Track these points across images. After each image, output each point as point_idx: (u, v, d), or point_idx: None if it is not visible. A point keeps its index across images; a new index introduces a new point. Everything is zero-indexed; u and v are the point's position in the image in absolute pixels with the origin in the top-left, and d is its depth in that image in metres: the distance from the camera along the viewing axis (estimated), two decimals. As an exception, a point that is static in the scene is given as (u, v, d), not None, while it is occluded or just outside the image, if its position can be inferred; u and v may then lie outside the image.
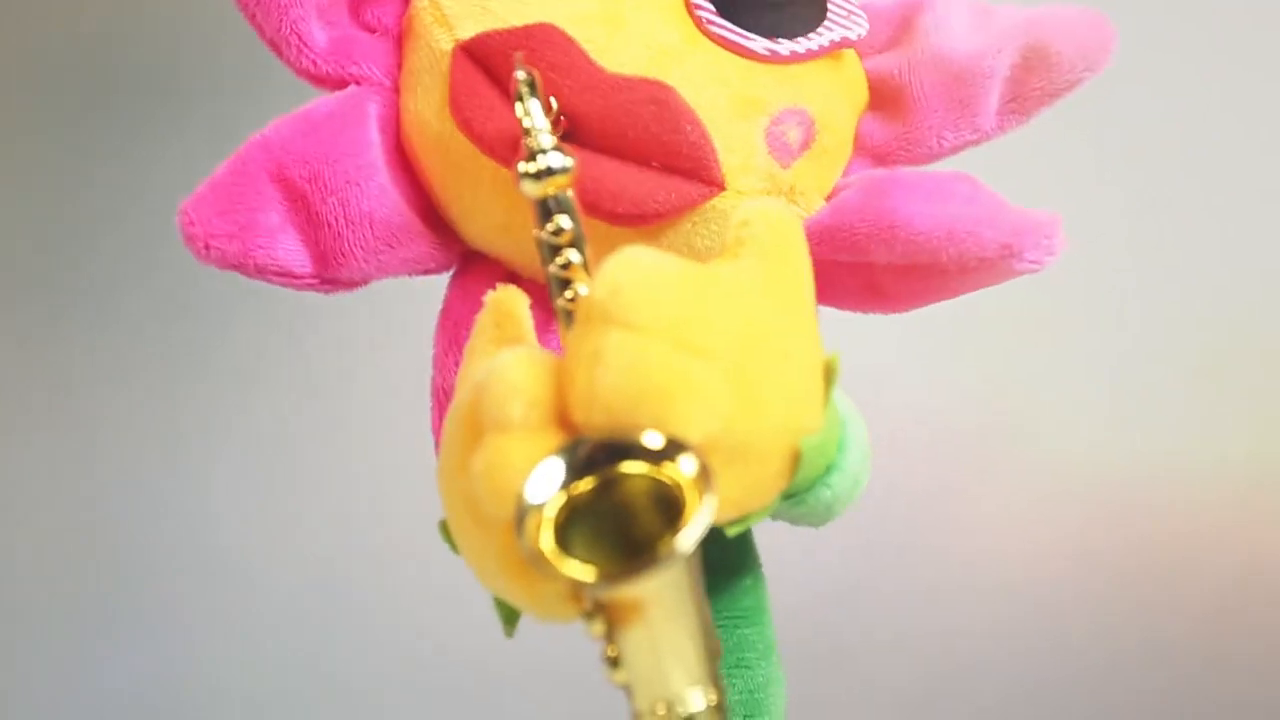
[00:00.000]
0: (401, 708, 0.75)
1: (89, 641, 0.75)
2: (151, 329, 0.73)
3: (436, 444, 0.32)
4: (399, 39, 0.36)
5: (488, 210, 0.34)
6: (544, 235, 0.28)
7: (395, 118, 0.35)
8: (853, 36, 0.35)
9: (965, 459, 0.77)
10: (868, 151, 0.36)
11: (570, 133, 0.32)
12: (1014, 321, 0.75)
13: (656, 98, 0.32)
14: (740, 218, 0.27)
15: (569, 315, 0.29)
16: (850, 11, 0.35)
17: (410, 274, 0.37)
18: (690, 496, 0.23)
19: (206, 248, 0.32)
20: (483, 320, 0.30)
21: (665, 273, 0.24)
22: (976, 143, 0.36)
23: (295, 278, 0.34)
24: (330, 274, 0.35)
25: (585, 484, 0.24)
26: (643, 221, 0.33)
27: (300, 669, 0.75)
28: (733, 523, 0.27)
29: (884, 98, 0.37)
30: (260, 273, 0.34)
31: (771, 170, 0.34)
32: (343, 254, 0.34)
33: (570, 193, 0.28)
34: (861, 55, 0.37)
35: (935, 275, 0.32)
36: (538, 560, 0.23)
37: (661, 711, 0.27)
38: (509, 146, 0.31)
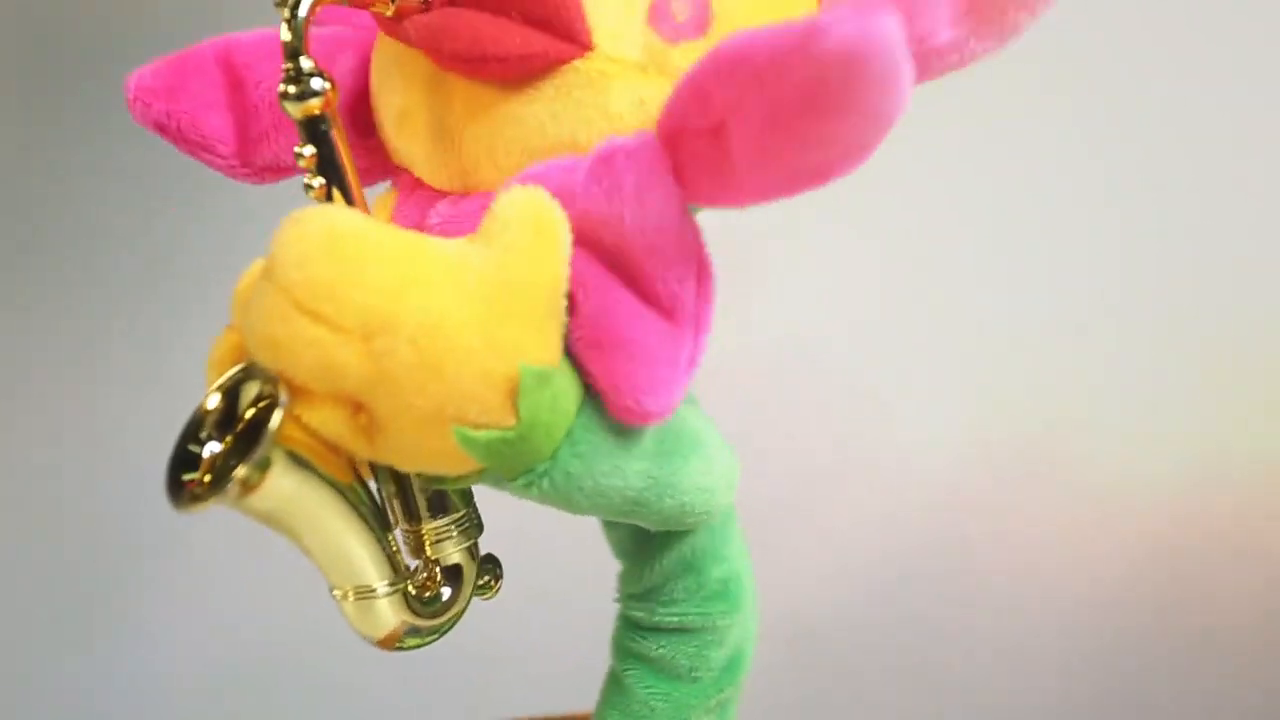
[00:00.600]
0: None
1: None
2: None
3: None
4: None
5: (393, 97, 0.36)
6: (296, 158, 0.31)
7: (362, 43, 0.38)
8: None
9: (1000, 473, 0.76)
10: None
11: None
12: (1044, 334, 0.72)
13: None
14: (497, 203, 0.29)
15: None
16: None
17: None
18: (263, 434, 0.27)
19: (136, 102, 0.36)
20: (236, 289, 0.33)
21: (327, 239, 0.27)
22: (925, 60, 0.32)
23: (216, 155, 0.37)
24: (248, 156, 0.38)
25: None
26: (490, 67, 0.32)
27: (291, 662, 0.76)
28: (430, 476, 0.31)
29: None
30: (184, 140, 0.37)
31: (651, 42, 0.31)
32: (264, 136, 0.37)
33: (326, 120, 0.30)
34: None
35: (759, 89, 0.28)
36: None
37: (350, 596, 0.32)
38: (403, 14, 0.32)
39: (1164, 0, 0.67)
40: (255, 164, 0.37)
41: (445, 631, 0.34)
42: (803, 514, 0.75)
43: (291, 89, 0.29)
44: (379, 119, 0.36)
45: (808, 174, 0.27)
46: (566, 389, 0.29)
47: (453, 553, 0.34)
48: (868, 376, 0.75)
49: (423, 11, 0.31)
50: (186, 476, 0.28)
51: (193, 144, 0.36)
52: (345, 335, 0.27)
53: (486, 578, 0.35)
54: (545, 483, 0.30)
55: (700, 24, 0.32)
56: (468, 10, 0.31)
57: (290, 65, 0.29)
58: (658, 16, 0.31)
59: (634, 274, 0.30)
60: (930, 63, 0.32)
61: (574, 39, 0.31)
